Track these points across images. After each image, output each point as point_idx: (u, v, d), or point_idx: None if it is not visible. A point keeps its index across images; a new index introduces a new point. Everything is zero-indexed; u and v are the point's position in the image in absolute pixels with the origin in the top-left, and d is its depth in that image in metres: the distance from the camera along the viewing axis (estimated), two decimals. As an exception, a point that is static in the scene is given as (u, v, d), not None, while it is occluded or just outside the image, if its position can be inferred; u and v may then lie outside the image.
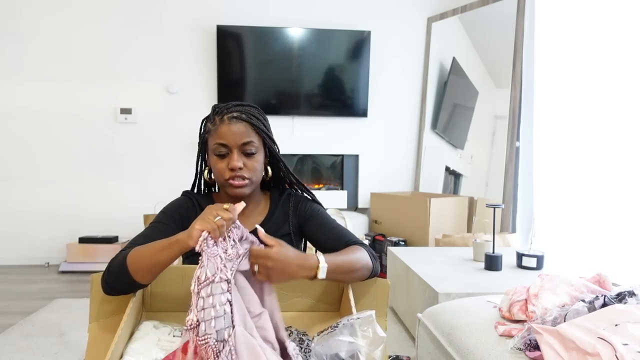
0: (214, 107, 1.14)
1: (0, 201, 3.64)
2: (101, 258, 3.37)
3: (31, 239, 3.66)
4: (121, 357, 0.90)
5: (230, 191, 1.11)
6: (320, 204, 1.25)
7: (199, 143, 1.19)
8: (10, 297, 2.81)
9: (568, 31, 2.72)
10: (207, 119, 1.15)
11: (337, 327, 0.88)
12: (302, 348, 0.91)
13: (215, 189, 1.27)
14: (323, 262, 0.94)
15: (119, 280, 0.94)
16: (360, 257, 1.05)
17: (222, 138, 1.08)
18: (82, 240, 3.46)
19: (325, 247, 1.14)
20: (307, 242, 1.27)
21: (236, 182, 1.08)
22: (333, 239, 1.14)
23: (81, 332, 2.17)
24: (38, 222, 3.66)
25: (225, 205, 0.86)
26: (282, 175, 1.23)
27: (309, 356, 0.87)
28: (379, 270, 1.12)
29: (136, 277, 0.92)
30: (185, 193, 1.22)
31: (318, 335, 0.91)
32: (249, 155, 1.10)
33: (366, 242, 3.23)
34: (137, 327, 1.00)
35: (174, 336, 0.96)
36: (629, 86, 2.27)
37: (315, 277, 0.93)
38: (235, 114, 1.09)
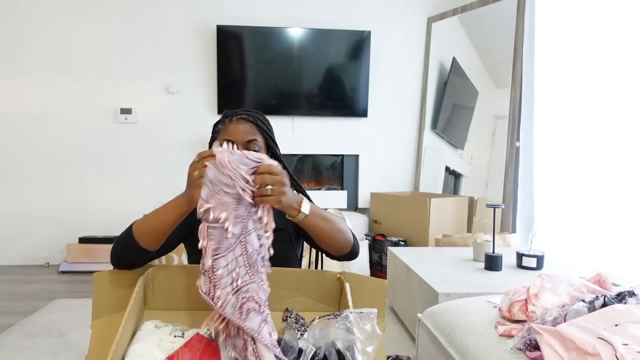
0: (225, 111, 1.24)
1: (0, 201, 3.64)
2: (101, 258, 3.37)
3: (31, 239, 3.66)
4: (123, 358, 0.90)
5: None
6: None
7: (209, 144, 1.26)
8: (10, 297, 2.81)
9: (568, 31, 2.72)
10: (218, 122, 1.25)
11: (338, 316, 0.90)
12: (298, 328, 0.93)
13: None
14: (306, 200, 0.99)
15: (125, 249, 1.00)
16: (343, 227, 1.09)
17: (229, 135, 1.17)
18: (82, 240, 3.46)
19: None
20: (304, 244, 1.29)
21: None
22: None
23: (81, 332, 2.18)
24: (38, 222, 3.66)
25: (205, 152, 0.87)
26: None
27: (302, 336, 0.88)
28: (358, 253, 1.15)
29: (141, 241, 0.98)
30: None
31: (319, 319, 0.93)
32: None
33: (366, 242, 3.24)
34: (139, 326, 1.00)
35: (175, 336, 0.96)
36: (629, 86, 2.27)
37: (299, 210, 0.97)
38: (243, 116, 1.19)
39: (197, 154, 0.88)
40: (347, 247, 1.11)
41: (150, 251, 1.01)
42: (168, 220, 0.96)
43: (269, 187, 0.87)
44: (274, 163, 0.90)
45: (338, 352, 0.85)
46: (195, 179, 0.86)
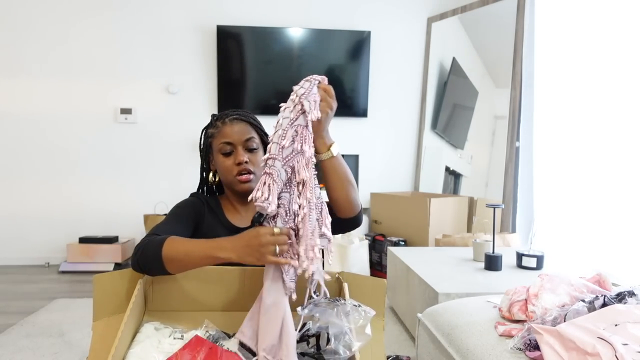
0: (213, 115, 1.24)
1: (0, 201, 3.64)
2: (101, 258, 3.37)
3: (31, 239, 3.66)
4: (123, 360, 0.90)
5: (238, 187, 1.19)
6: None
7: (200, 150, 1.27)
8: (10, 297, 2.81)
9: (568, 31, 2.72)
10: (207, 127, 1.25)
11: (341, 304, 0.92)
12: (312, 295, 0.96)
13: (217, 193, 1.33)
14: (337, 145, 1.05)
15: (151, 265, 0.98)
16: (356, 186, 1.13)
17: (226, 137, 1.18)
18: (82, 240, 3.46)
19: None
20: None
21: (243, 177, 1.17)
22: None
23: (81, 332, 2.18)
24: (38, 222, 3.66)
25: (276, 229, 0.89)
26: None
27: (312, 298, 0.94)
28: (362, 220, 1.16)
29: (168, 266, 0.97)
30: (193, 194, 1.29)
31: (319, 300, 0.95)
32: (251, 150, 1.20)
33: (366, 242, 3.24)
34: (139, 328, 1.00)
35: (174, 338, 0.96)
36: (629, 86, 2.27)
37: (329, 148, 1.04)
38: (235, 116, 1.21)
39: (278, 232, 0.89)
40: (356, 209, 1.12)
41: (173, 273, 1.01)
42: (205, 263, 0.95)
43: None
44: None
45: (328, 336, 0.87)
46: (270, 253, 0.88)
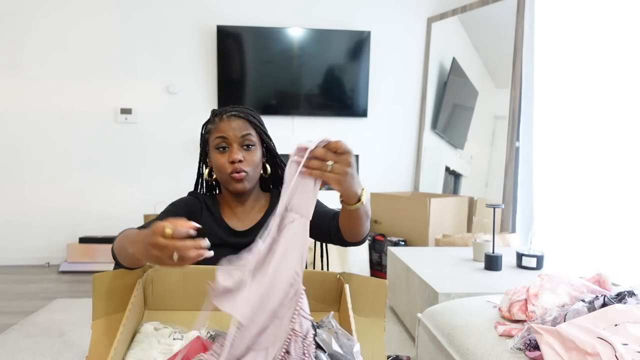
0: (213, 111, 1.22)
1: (0, 201, 3.64)
2: (101, 258, 3.37)
3: (31, 239, 3.66)
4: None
5: (231, 186, 1.16)
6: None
7: (200, 145, 1.25)
8: (10, 297, 2.81)
9: (568, 31, 2.72)
10: (207, 123, 1.23)
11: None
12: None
13: (216, 191, 1.31)
14: (366, 189, 0.92)
15: (115, 260, 0.99)
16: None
17: (221, 132, 1.15)
18: (82, 240, 3.46)
19: (323, 229, 1.13)
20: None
21: (237, 176, 1.13)
22: (326, 217, 1.13)
23: (81, 332, 2.18)
24: (38, 222, 3.66)
25: (168, 229, 0.71)
26: (280, 173, 1.25)
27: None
28: (365, 240, 1.11)
29: (122, 261, 0.95)
30: (191, 193, 1.27)
31: None
32: (247, 148, 1.16)
33: (366, 242, 3.24)
34: (138, 328, 1.00)
35: (174, 339, 0.96)
36: (628, 86, 2.27)
37: (360, 199, 0.89)
38: (233, 113, 1.17)
39: (170, 233, 0.71)
40: (363, 237, 1.08)
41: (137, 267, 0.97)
42: (134, 257, 0.84)
43: (330, 162, 0.77)
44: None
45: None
46: (166, 258, 0.72)
